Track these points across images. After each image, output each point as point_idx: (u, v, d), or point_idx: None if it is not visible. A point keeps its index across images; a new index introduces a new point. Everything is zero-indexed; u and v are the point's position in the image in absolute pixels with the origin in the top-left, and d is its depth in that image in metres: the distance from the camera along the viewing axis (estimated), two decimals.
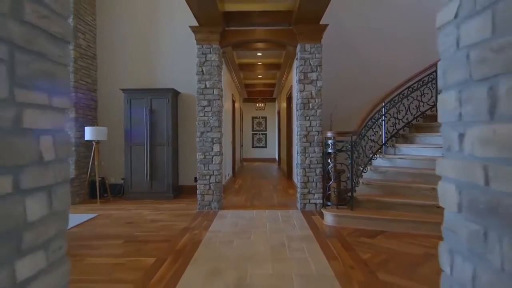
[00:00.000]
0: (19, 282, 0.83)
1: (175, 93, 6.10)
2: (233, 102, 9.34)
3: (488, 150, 0.83)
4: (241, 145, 12.74)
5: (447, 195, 1.00)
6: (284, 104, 9.91)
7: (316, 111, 4.92)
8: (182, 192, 6.34)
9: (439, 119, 1.06)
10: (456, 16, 0.95)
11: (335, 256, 3.00)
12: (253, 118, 15.86)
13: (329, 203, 4.40)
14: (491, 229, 0.81)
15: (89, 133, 5.51)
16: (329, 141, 4.39)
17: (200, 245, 3.33)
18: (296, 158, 5.19)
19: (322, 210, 4.35)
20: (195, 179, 6.15)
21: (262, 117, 15.86)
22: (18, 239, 0.83)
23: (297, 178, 5.21)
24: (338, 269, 2.70)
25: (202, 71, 4.97)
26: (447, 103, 1.00)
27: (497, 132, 0.80)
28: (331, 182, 4.39)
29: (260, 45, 6.57)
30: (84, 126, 5.78)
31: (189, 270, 2.70)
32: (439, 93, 1.07)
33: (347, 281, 2.47)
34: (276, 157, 14.41)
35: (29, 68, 0.87)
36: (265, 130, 15.92)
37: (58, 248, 0.99)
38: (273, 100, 14.64)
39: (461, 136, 0.93)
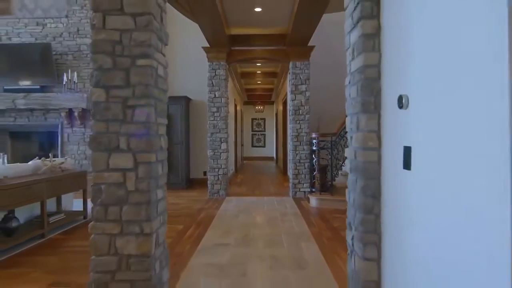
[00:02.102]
0: (157, 199, 1.95)
1: (188, 100, 7.21)
2: (235, 105, 10.44)
3: (356, 143, 1.94)
4: (242, 145, 13.84)
5: (347, 165, 2.12)
6: (280, 108, 11.01)
7: (305, 116, 6.03)
8: (193, 183, 7.45)
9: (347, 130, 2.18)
10: (349, 83, 2.07)
11: (313, 224, 4.12)
12: (252, 119, 16.97)
13: (313, 190, 5.52)
14: (357, 177, 1.93)
15: None
16: (314, 141, 5.51)
17: (214, 218, 4.44)
18: (289, 155, 6.30)
19: (308, 196, 5.47)
20: (204, 173, 7.27)
21: (261, 119, 16.97)
22: (157, 181, 1.95)
23: (289, 171, 6.32)
24: (314, 231, 3.82)
25: (212, 83, 6.08)
26: (347, 123, 2.12)
27: (358, 136, 1.91)
28: (315, 173, 5.52)
29: None
30: None
31: (209, 232, 3.81)
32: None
33: (319, 236, 3.58)
34: (274, 155, 15.51)
35: (159, 107, 1.98)
36: (264, 131, 17.04)
37: (164, 190, 2.11)
38: (271, 103, 15.75)
39: (351, 138, 2.05)
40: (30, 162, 3.96)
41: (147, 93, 1.84)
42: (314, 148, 5.54)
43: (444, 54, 1.21)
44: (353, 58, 2.00)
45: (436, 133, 1.27)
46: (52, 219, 3.73)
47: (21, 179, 3.35)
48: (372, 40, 1.83)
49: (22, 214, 3.58)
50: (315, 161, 5.55)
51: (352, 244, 2.02)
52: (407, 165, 1.49)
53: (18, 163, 3.88)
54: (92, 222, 1.86)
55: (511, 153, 0.78)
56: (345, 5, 2.11)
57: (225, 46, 6.01)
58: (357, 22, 1.89)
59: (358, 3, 1.86)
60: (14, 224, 3.21)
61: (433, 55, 1.29)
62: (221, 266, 2.76)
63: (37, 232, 3.41)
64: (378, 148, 1.83)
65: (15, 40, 6.74)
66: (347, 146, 2.18)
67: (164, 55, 2.11)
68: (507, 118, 0.81)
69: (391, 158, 1.69)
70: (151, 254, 1.85)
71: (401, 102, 1.53)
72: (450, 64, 1.18)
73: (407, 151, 1.49)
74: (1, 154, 3.91)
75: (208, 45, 6.03)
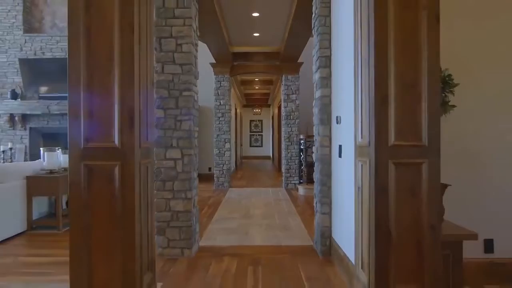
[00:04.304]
0: (194, 178, 3.13)
1: None
2: (235, 109, 11.61)
3: (318, 143, 3.13)
4: (241, 145, 15.01)
5: (314, 157, 3.30)
6: (276, 111, 12.19)
7: (295, 120, 7.22)
8: (199, 178, 8.57)
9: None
10: (314, 105, 3.25)
11: (299, 206, 5.31)
12: (251, 121, 18.15)
13: (301, 181, 6.71)
14: (318, 164, 3.12)
15: None
16: (301, 141, 6.70)
17: (221, 202, 5.62)
18: (282, 153, 7.48)
19: (297, 186, 6.65)
20: (209, 169, 8.44)
21: (259, 120, 18.16)
22: (194, 166, 3.13)
23: (283, 167, 7.51)
24: (299, 210, 5.01)
25: (218, 93, 7.26)
26: (314, 130, 3.30)
27: (319, 139, 3.10)
28: (302, 167, 6.71)
29: None
30: None
31: (219, 211, 4.99)
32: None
33: (302, 213, 4.77)
34: (271, 154, 16.70)
35: (195, 120, 3.16)
36: (261, 132, 18.23)
37: (197, 172, 3.28)
38: (268, 105, 16.94)
39: (315, 140, 3.23)
40: None
41: (189, 112, 3.02)
42: (302, 147, 6.73)
43: (347, 95, 2.40)
44: (316, 90, 3.19)
45: (348, 137, 2.45)
46: None
47: None
48: (326, 80, 3.02)
49: None
50: (303, 158, 6.74)
51: (316, 206, 3.20)
52: (340, 155, 2.68)
53: None
54: (155, 191, 3.03)
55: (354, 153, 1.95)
56: (312, 55, 3.29)
57: (229, 62, 7.19)
58: (318, 68, 3.07)
59: (318, 57, 3.05)
60: None
61: (345, 94, 2.48)
62: (231, 229, 3.94)
63: None
64: (329, 146, 3.02)
65: (48, 54, 7.87)
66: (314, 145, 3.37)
67: (196, 86, 3.29)
68: (353, 138, 1.97)
69: (335, 151, 2.87)
70: (191, 211, 3.03)
71: (337, 120, 2.71)
72: (347, 101, 2.36)
73: (340, 147, 2.68)
74: (57, 148, 4.88)
75: (214, 61, 7.20)
